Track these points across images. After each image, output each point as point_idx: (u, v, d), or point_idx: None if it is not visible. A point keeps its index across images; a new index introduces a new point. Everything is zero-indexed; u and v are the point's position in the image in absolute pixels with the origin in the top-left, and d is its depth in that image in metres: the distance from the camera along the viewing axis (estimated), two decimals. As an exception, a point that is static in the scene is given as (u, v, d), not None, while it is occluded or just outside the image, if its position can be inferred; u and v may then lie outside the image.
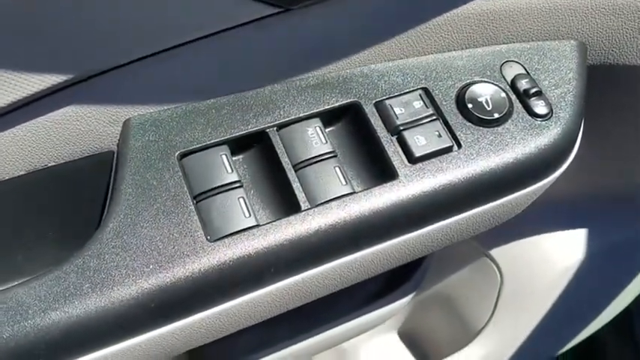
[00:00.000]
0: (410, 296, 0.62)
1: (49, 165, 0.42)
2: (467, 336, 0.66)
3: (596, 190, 0.60)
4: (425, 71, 0.43)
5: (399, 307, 0.61)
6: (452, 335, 0.68)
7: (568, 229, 0.63)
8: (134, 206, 0.39)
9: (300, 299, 0.44)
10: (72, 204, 0.44)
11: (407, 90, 0.43)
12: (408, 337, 0.76)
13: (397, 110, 0.42)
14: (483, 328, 0.64)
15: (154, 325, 0.40)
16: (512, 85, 0.43)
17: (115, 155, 0.43)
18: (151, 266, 0.38)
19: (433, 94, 0.42)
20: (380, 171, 0.41)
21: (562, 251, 0.63)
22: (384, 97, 0.43)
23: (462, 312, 0.68)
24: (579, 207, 0.61)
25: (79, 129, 0.42)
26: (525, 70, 0.43)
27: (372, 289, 0.63)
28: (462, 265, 0.67)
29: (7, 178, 0.42)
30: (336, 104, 0.43)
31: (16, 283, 0.38)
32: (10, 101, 0.38)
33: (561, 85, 0.43)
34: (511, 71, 0.44)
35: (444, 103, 0.42)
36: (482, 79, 0.43)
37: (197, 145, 0.41)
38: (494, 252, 0.65)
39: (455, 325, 0.68)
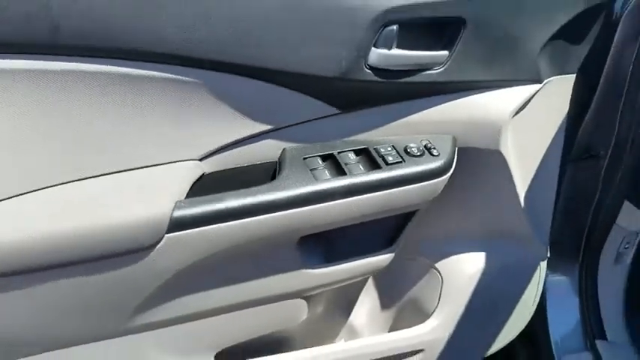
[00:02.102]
0: (389, 256, 0.92)
1: None
2: (420, 319, 1.00)
3: (493, 226, 0.98)
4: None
5: (380, 263, 0.93)
6: (409, 317, 1.02)
7: (481, 251, 1.00)
8: None
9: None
10: None
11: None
12: (376, 312, 1.09)
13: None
14: (432, 313, 0.99)
15: None
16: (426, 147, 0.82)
17: None
18: None
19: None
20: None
21: (477, 265, 1.00)
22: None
23: (415, 301, 1.02)
24: (484, 238, 1.00)
25: None
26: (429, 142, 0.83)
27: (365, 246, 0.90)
28: (417, 272, 1.03)
29: None
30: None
31: None
32: None
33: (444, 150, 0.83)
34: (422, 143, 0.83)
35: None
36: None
37: None
38: (438, 264, 1.01)
39: (412, 310, 1.03)
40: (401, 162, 0.81)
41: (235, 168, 0.79)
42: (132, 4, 0.65)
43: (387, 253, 0.91)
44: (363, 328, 1.05)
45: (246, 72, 0.73)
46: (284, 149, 0.80)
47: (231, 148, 0.78)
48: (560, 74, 0.91)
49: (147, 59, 0.69)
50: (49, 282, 0.69)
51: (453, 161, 0.84)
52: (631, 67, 0.99)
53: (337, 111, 0.80)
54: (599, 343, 1.18)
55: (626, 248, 1.21)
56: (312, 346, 0.94)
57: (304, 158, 0.80)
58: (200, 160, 0.76)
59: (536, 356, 1.19)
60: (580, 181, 1.11)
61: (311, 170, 0.78)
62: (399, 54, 0.78)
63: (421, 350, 1.00)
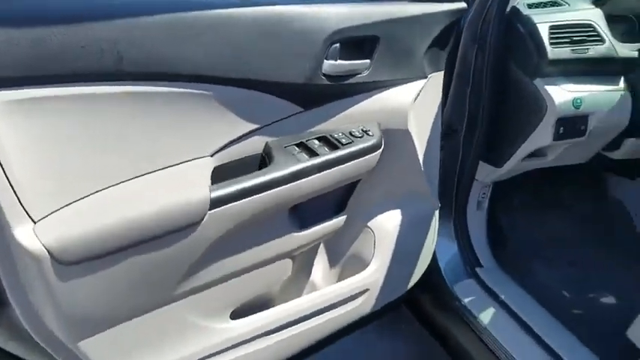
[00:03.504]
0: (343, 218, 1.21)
1: None
2: (362, 267, 1.29)
3: (405, 188, 1.32)
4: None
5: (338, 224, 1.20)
6: (353, 268, 1.30)
7: (398, 208, 1.34)
8: None
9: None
10: None
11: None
12: (328, 269, 1.35)
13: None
14: (370, 261, 1.29)
15: None
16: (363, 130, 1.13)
17: None
18: None
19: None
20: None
21: (397, 219, 1.33)
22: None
23: (356, 255, 1.32)
24: (400, 198, 1.32)
25: None
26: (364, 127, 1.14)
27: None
28: (355, 232, 1.32)
29: None
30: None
31: None
32: None
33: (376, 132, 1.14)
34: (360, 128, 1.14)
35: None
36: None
37: None
38: (369, 223, 1.31)
39: (354, 262, 1.31)
40: (351, 142, 1.09)
41: (233, 160, 1.00)
42: (173, 40, 0.85)
43: (341, 216, 1.19)
44: (320, 282, 1.30)
45: (238, 83, 0.96)
46: (266, 143, 1.04)
47: (230, 146, 0.99)
48: (435, 71, 1.27)
49: (176, 79, 0.88)
50: (121, 262, 0.84)
51: (382, 140, 1.14)
52: (473, 62, 1.38)
53: (302, 109, 1.06)
54: (478, 270, 1.58)
55: (483, 197, 1.64)
56: (287, 301, 1.18)
57: (285, 147, 1.04)
58: (211, 156, 0.96)
59: (433, 288, 1.54)
60: (447, 149, 1.49)
61: (293, 155, 1.03)
62: (341, 63, 1.06)
63: (367, 290, 1.28)
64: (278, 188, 0.98)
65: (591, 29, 1.36)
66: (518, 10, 1.37)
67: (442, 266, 1.56)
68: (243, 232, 0.98)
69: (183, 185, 0.89)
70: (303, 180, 1.02)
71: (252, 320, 1.10)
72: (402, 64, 1.17)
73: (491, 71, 1.38)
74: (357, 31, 1.06)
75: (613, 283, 1.66)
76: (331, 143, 1.08)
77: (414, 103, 1.20)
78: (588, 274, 1.71)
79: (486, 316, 1.48)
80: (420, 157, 1.26)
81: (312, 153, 1.05)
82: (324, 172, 1.04)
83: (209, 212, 0.90)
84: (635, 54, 1.38)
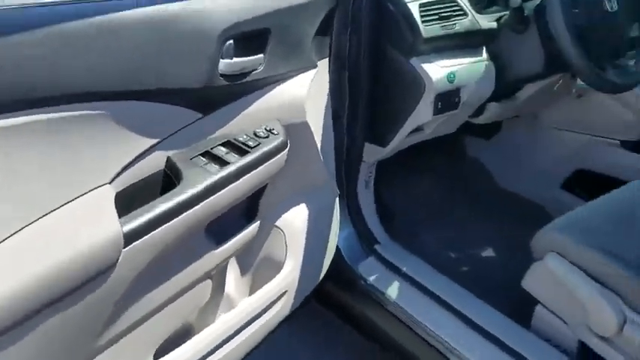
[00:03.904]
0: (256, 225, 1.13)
1: None
2: (276, 269, 1.23)
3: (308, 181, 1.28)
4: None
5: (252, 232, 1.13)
6: (267, 271, 1.24)
7: (304, 202, 1.30)
8: None
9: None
10: None
11: None
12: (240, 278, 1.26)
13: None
14: (284, 261, 1.23)
15: None
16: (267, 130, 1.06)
17: None
18: None
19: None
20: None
21: (304, 214, 1.29)
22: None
23: (268, 258, 1.25)
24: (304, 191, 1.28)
25: None
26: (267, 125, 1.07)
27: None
28: (264, 234, 1.25)
29: None
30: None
31: None
32: None
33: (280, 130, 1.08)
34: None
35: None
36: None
37: None
38: (278, 223, 1.25)
39: (268, 265, 1.25)
40: (259, 144, 1.02)
41: (136, 183, 0.88)
42: (44, 58, 0.70)
43: (255, 222, 1.11)
44: (236, 295, 1.22)
45: (129, 96, 0.83)
46: (168, 157, 0.92)
47: (129, 167, 0.86)
48: (322, 58, 1.24)
49: (55, 103, 0.74)
50: (24, 335, 0.69)
51: (287, 137, 1.09)
52: (348, 46, 1.37)
53: (201, 115, 0.96)
54: (376, 247, 1.61)
55: (369, 177, 1.66)
56: (209, 324, 1.08)
57: (191, 159, 0.93)
58: (110, 182, 0.83)
59: (336, 273, 1.53)
60: (335, 135, 1.48)
61: (201, 167, 0.93)
62: (237, 61, 0.98)
63: (285, 292, 1.23)
64: (194, 208, 0.88)
65: (455, 4, 1.42)
66: (384, -10, 1.38)
67: (342, 249, 1.57)
68: (161, 262, 0.87)
69: (86, 224, 0.75)
70: (219, 193, 0.92)
71: (176, 355, 0.99)
72: (294, 55, 1.12)
73: (368, 54, 1.38)
74: (249, 25, 0.99)
75: (489, 237, 1.81)
76: (239, 148, 1.00)
77: (309, 94, 1.16)
78: (466, 232, 1.83)
79: (393, 290, 1.51)
80: (319, 147, 1.23)
81: (222, 162, 0.96)
82: (238, 180, 0.96)
83: (123, 250, 0.77)
84: (494, 24, 1.48)
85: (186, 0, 0.89)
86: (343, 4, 1.31)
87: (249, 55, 1.01)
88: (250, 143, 1.01)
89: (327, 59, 1.26)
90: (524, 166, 1.98)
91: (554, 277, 1.26)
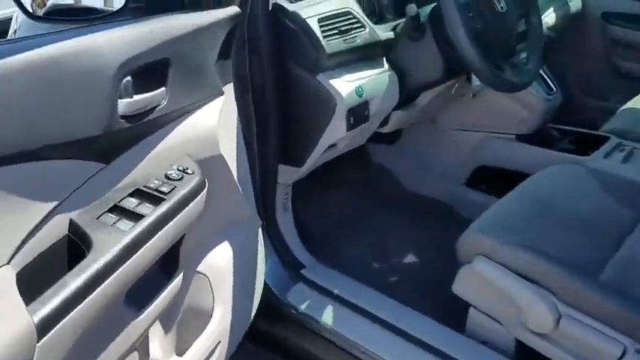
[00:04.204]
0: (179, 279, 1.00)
1: None
2: (205, 319, 1.11)
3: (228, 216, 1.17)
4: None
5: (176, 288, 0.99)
6: (195, 323, 1.11)
7: (226, 240, 1.19)
8: None
9: None
10: None
11: None
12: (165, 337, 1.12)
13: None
14: (213, 309, 1.11)
15: None
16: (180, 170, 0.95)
17: None
18: None
19: None
20: None
21: (227, 254, 1.18)
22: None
23: (194, 308, 1.12)
24: (226, 228, 1.17)
25: None
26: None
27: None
28: (186, 284, 1.12)
29: None
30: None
31: None
32: None
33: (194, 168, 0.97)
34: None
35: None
36: None
37: None
38: (200, 268, 1.13)
39: (195, 316, 1.12)
40: (174, 188, 0.90)
41: (38, 257, 0.73)
42: None
43: (178, 275, 0.99)
44: (162, 358, 1.08)
45: (17, 159, 0.69)
46: (71, 220, 0.78)
47: (28, 240, 0.72)
48: (227, 83, 1.14)
49: None
50: None
51: (203, 175, 0.98)
52: (248, 67, 1.29)
53: (104, 164, 0.83)
54: (303, 272, 1.54)
55: (286, 199, 1.59)
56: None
57: (97, 218, 0.80)
58: (8, 262, 0.68)
59: (266, 307, 1.44)
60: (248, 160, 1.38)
61: (112, 226, 0.80)
62: (137, 99, 0.86)
63: (219, 342, 1.12)
64: (111, 277, 0.75)
65: (351, 16, 1.38)
66: (282, 6, 1.32)
67: (268, 280, 1.48)
68: (80, 347, 0.73)
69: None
70: (137, 254, 0.80)
71: None
72: (198, 84, 1.02)
73: (271, 73, 1.31)
74: (147, 57, 0.87)
75: (409, 242, 1.80)
76: (151, 196, 0.87)
77: (219, 123, 1.06)
78: (386, 240, 1.82)
79: (326, 315, 1.45)
80: (236, 179, 1.14)
81: (134, 216, 0.83)
82: (157, 234, 0.84)
83: (38, 345, 0.63)
84: (392, 34, 1.47)
85: (72, 38, 0.76)
86: (240, 23, 1.22)
87: (149, 91, 0.89)
88: (164, 189, 0.89)
89: (231, 84, 1.17)
90: (429, 167, 2.01)
91: (484, 280, 1.27)
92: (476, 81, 1.63)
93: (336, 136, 1.38)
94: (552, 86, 1.86)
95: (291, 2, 1.34)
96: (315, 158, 1.44)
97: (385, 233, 1.84)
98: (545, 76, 1.90)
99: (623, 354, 1.08)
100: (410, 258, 1.75)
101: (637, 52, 2.33)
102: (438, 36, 1.41)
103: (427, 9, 1.46)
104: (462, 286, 1.33)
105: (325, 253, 1.66)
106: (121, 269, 0.77)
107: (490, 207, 1.41)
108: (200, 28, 0.99)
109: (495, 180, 1.86)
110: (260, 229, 1.29)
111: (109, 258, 0.75)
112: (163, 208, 0.86)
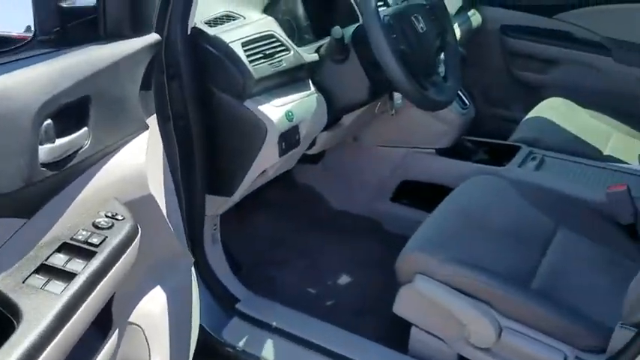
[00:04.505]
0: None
1: None
2: None
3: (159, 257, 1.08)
4: None
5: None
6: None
7: (158, 284, 1.09)
8: None
9: None
10: None
11: None
12: None
13: None
14: None
15: None
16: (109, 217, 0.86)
17: None
18: None
19: None
20: None
21: (161, 298, 1.08)
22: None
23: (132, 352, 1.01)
24: (158, 271, 1.08)
25: None
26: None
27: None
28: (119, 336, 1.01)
29: None
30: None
31: None
32: None
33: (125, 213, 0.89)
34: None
35: None
36: None
37: None
38: (132, 318, 1.03)
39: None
40: (105, 238, 0.81)
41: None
42: None
43: (112, 335, 0.89)
44: None
45: None
46: None
47: None
48: (150, 115, 1.06)
49: None
50: None
51: (135, 220, 0.89)
52: (168, 96, 1.21)
53: (25, 219, 0.73)
54: (238, 306, 1.46)
55: (215, 230, 1.51)
56: None
57: (24, 281, 0.70)
58: None
59: (205, 351, 1.35)
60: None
61: (42, 289, 0.70)
62: (60, 143, 0.77)
63: (159, 396, 1.03)
64: (46, 350, 0.65)
65: (275, 39, 1.34)
66: (201, 30, 1.25)
67: (202, 319, 1.39)
68: None
69: None
70: (73, 319, 0.71)
71: None
72: (122, 120, 0.94)
73: (193, 101, 1.24)
74: (67, 96, 0.78)
75: (341, 262, 1.78)
76: (81, 250, 0.78)
77: (147, 160, 0.98)
78: (319, 262, 1.79)
79: (265, 349, 1.40)
80: (166, 217, 1.06)
81: (65, 275, 0.74)
82: (93, 292, 0.75)
83: None
84: (316, 56, 1.44)
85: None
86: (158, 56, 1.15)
87: (71, 133, 0.80)
88: (94, 240, 0.80)
89: (154, 115, 1.09)
90: (354, 185, 2.00)
91: (425, 299, 1.27)
92: (397, 99, 1.66)
93: (268, 162, 1.33)
94: (466, 100, 1.92)
95: (210, 26, 1.28)
96: (247, 186, 1.38)
97: (317, 255, 1.81)
98: (459, 91, 1.97)
99: (564, 362, 1.12)
100: (345, 279, 1.73)
101: (534, 62, 2.48)
102: (363, 57, 1.40)
103: (349, 29, 1.46)
104: (403, 305, 1.33)
105: (259, 283, 1.60)
106: (56, 339, 0.67)
107: (422, 224, 1.42)
108: (120, 59, 0.91)
109: (419, 193, 1.89)
110: (193, 268, 1.22)
111: (43, 329, 0.65)
112: (96, 262, 0.77)
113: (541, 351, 1.15)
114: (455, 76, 1.51)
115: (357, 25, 1.46)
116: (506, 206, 1.49)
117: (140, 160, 0.95)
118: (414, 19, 1.40)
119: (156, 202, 1.00)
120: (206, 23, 1.28)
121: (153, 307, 1.06)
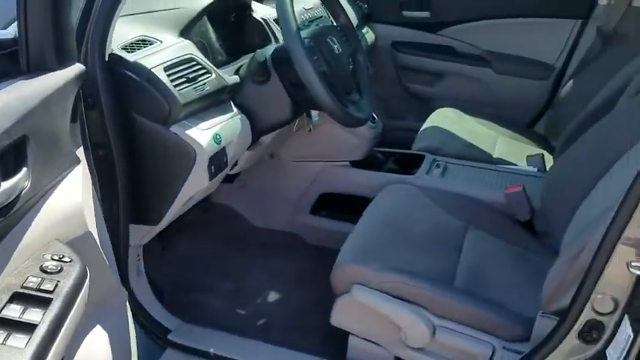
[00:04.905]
0: None
1: None
2: None
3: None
4: None
5: None
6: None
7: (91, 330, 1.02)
8: None
9: None
10: None
11: None
12: None
13: None
14: None
15: None
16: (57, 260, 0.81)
17: None
18: None
19: None
20: None
21: (104, 343, 1.02)
22: None
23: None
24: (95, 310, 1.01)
25: None
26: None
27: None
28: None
29: None
30: None
31: None
32: None
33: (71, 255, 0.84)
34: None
35: None
36: None
37: None
38: None
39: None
40: (58, 283, 0.76)
41: None
42: None
43: None
44: None
45: None
46: None
47: None
48: (79, 147, 1.01)
49: None
50: None
51: (82, 260, 0.85)
52: (86, 124, 1.15)
53: None
54: (170, 337, 1.42)
55: (138, 260, 1.45)
56: None
57: None
58: None
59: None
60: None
61: (4, 344, 0.65)
62: (4, 188, 0.72)
63: None
64: None
65: (195, 62, 1.33)
66: (120, 56, 1.21)
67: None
68: None
69: None
70: None
71: None
72: (57, 156, 0.89)
73: (115, 130, 1.19)
74: (7, 139, 0.73)
75: (268, 279, 1.79)
76: (36, 298, 0.73)
77: (83, 196, 0.93)
78: (246, 282, 1.78)
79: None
80: (103, 251, 1.01)
81: (25, 326, 0.68)
82: (56, 342, 0.70)
83: None
84: (237, 78, 1.44)
85: None
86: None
87: (13, 175, 0.75)
88: (47, 286, 0.75)
89: (82, 147, 1.04)
90: (272, 201, 2.02)
91: (363, 307, 1.32)
92: (314, 116, 1.70)
93: (197, 187, 1.31)
94: (374, 115, 2.02)
95: (128, 52, 1.24)
96: (174, 213, 1.34)
97: (242, 275, 1.80)
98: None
99: (493, 353, 1.22)
100: (273, 296, 1.74)
101: (423, 75, 2.66)
102: (284, 78, 1.43)
103: (268, 50, 1.47)
104: (341, 316, 1.37)
105: (186, 310, 1.56)
106: None
107: (349, 236, 1.47)
108: (51, 94, 0.86)
109: (338, 205, 1.95)
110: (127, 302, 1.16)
111: None
112: (54, 309, 0.73)
113: (471, 345, 1.24)
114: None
115: (276, 46, 1.48)
116: (422, 213, 1.59)
117: (77, 197, 0.90)
118: (329, 41, 1.46)
119: (94, 238, 0.95)
120: (123, 49, 1.24)
121: (95, 349, 1.00)
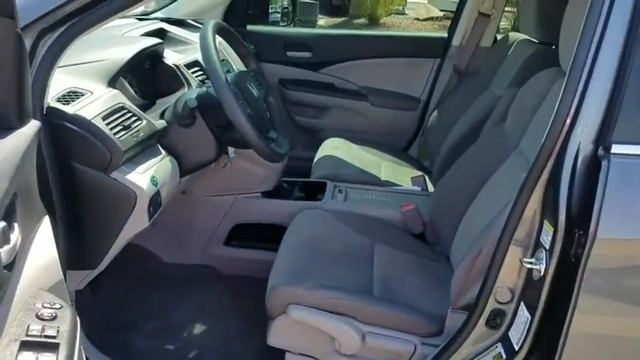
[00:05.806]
0: None
1: None
2: None
3: None
4: None
5: None
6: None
7: None
8: None
9: None
10: None
11: None
12: None
13: None
14: None
15: None
16: None
17: None
18: None
19: None
20: None
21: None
22: None
23: None
24: None
25: None
26: None
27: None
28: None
29: None
30: None
31: None
32: None
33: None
34: None
35: None
36: None
37: None
38: None
39: None
40: (59, 328, 0.80)
41: None
42: None
43: None
44: None
45: None
46: None
47: None
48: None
49: None
50: None
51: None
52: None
53: None
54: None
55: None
56: None
57: None
58: None
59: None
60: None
61: None
62: (13, 243, 0.76)
63: None
64: None
65: (127, 110, 1.38)
66: (57, 109, 1.23)
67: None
68: None
69: None
70: None
71: None
72: (32, 210, 0.93)
73: (55, 181, 1.21)
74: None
75: (188, 314, 1.83)
76: (43, 345, 0.76)
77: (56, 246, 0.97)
78: (168, 318, 1.80)
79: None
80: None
81: None
82: None
83: None
84: (164, 122, 1.51)
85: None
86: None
87: (11, 232, 0.78)
88: (50, 332, 0.78)
89: None
90: (184, 236, 2.06)
91: (299, 325, 1.44)
92: (232, 153, 1.81)
93: (137, 229, 1.35)
94: (278, 148, 2.16)
95: (64, 104, 1.26)
96: (112, 256, 1.37)
97: (166, 311, 1.82)
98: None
99: (415, 349, 1.41)
100: (199, 328, 1.78)
101: (310, 109, 2.87)
102: (210, 122, 1.53)
103: (190, 95, 1.56)
104: (278, 336, 1.47)
105: (113, 351, 1.56)
106: None
107: (276, 261, 1.59)
108: (26, 150, 0.89)
109: (249, 234, 2.05)
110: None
111: None
112: (63, 352, 0.76)
113: (396, 345, 1.42)
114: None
115: (198, 92, 1.58)
116: (335, 233, 1.76)
117: (52, 246, 0.93)
118: (249, 86, 1.58)
119: (64, 285, 0.98)
120: (58, 101, 1.26)
121: None
